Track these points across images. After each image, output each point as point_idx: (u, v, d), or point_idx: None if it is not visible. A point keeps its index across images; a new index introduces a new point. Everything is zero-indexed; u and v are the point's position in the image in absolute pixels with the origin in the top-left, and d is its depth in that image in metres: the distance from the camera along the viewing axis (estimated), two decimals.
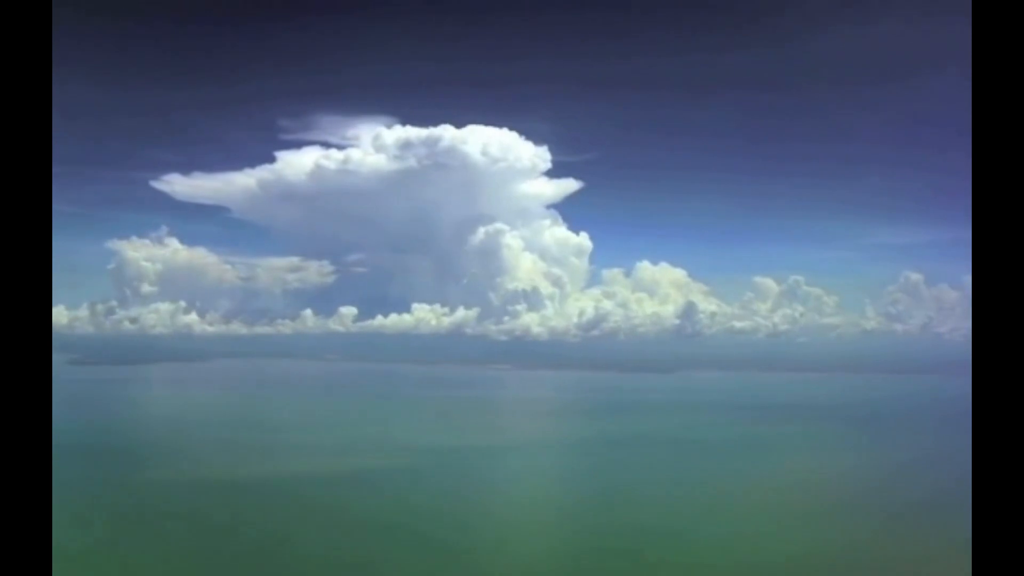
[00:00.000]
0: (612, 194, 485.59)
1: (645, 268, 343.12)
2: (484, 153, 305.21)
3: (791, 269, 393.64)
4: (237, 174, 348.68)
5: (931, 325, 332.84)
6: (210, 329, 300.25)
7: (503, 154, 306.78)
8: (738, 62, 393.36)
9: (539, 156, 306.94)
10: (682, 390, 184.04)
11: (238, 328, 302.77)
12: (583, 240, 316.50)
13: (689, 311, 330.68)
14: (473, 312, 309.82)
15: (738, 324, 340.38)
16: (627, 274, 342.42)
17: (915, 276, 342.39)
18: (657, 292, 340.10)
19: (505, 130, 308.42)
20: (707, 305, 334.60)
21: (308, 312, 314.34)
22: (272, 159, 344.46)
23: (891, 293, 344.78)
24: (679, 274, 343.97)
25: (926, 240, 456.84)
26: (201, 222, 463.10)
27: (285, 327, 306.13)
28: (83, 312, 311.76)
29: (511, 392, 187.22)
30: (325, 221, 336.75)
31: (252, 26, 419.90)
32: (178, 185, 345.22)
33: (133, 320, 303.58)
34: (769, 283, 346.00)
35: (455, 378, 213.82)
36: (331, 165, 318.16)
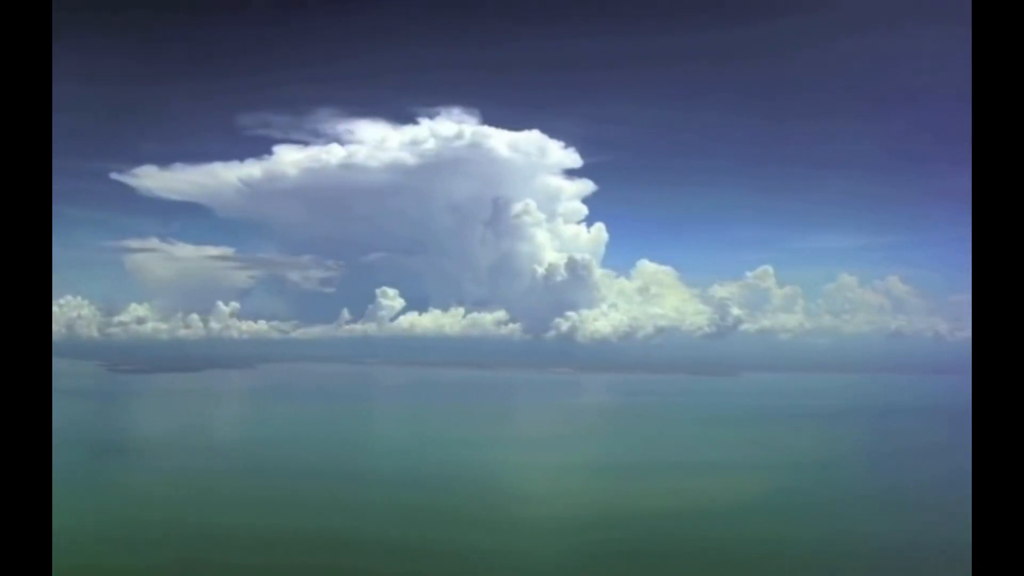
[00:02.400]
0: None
1: (646, 267, 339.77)
2: (513, 149, 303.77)
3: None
4: (233, 169, 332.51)
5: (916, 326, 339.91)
6: (247, 331, 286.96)
7: (528, 150, 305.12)
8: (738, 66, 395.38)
9: (566, 155, 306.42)
10: (795, 393, 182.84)
11: (268, 331, 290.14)
12: (606, 239, 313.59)
13: (723, 313, 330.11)
14: (510, 314, 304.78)
15: (766, 325, 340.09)
16: (626, 274, 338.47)
17: (849, 278, 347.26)
18: (662, 293, 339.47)
19: (527, 131, 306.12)
20: (738, 307, 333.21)
21: (340, 314, 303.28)
22: (271, 153, 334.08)
23: (830, 292, 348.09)
24: (670, 273, 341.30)
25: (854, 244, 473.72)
26: (196, 220, 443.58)
27: (317, 330, 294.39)
28: (91, 313, 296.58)
29: (654, 399, 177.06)
30: (342, 219, 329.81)
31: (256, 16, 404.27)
32: (154, 180, 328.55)
33: (141, 323, 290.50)
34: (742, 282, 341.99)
35: (555, 384, 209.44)
36: (339, 161, 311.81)
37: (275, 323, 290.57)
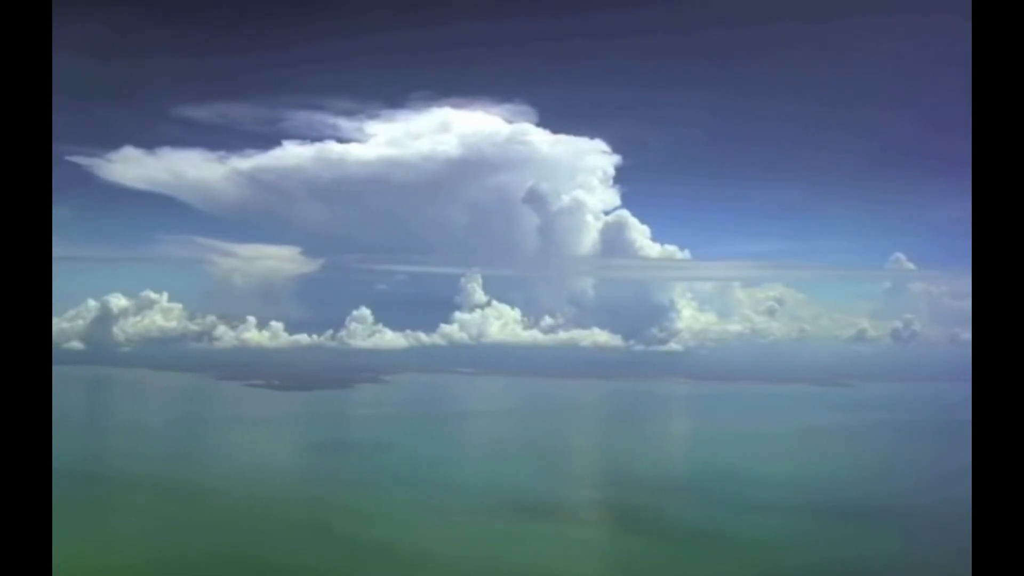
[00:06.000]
0: None
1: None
2: (554, 147, 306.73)
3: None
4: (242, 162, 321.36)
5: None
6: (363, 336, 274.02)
7: (570, 149, 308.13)
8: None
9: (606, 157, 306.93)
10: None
11: (364, 337, 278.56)
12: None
13: (779, 318, 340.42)
14: (592, 319, 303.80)
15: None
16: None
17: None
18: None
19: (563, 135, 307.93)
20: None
21: (424, 319, 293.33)
22: (285, 147, 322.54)
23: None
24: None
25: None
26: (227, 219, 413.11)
27: (408, 337, 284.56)
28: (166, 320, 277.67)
29: (887, 416, 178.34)
30: (397, 220, 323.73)
31: None
32: (163, 176, 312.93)
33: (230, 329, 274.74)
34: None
35: (714, 397, 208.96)
36: (382, 156, 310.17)
37: (372, 328, 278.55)
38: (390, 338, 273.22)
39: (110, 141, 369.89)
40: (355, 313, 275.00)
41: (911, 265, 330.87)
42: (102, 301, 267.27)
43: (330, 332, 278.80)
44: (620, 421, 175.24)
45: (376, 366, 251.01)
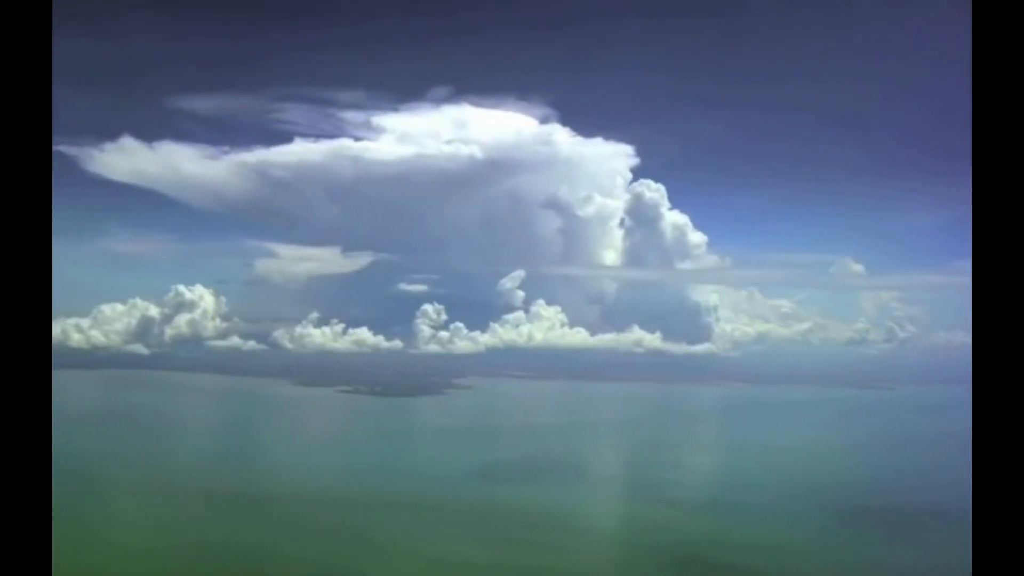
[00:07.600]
0: None
1: None
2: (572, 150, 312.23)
3: None
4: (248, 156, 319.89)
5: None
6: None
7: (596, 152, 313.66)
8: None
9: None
10: None
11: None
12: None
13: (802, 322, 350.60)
14: (630, 320, 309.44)
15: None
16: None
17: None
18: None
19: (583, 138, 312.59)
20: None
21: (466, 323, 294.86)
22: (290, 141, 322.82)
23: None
24: None
25: None
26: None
27: (463, 343, 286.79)
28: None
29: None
30: (427, 222, 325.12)
31: None
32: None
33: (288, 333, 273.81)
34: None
35: (806, 402, 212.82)
36: (412, 154, 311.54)
37: (433, 331, 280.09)
38: (458, 341, 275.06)
39: (109, 133, 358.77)
40: (418, 314, 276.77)
41: (913, 267, 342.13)
42: (170, 299, 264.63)
43: (386, 334, 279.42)
44: (756, 426, 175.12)
45: (443, 369, 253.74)
